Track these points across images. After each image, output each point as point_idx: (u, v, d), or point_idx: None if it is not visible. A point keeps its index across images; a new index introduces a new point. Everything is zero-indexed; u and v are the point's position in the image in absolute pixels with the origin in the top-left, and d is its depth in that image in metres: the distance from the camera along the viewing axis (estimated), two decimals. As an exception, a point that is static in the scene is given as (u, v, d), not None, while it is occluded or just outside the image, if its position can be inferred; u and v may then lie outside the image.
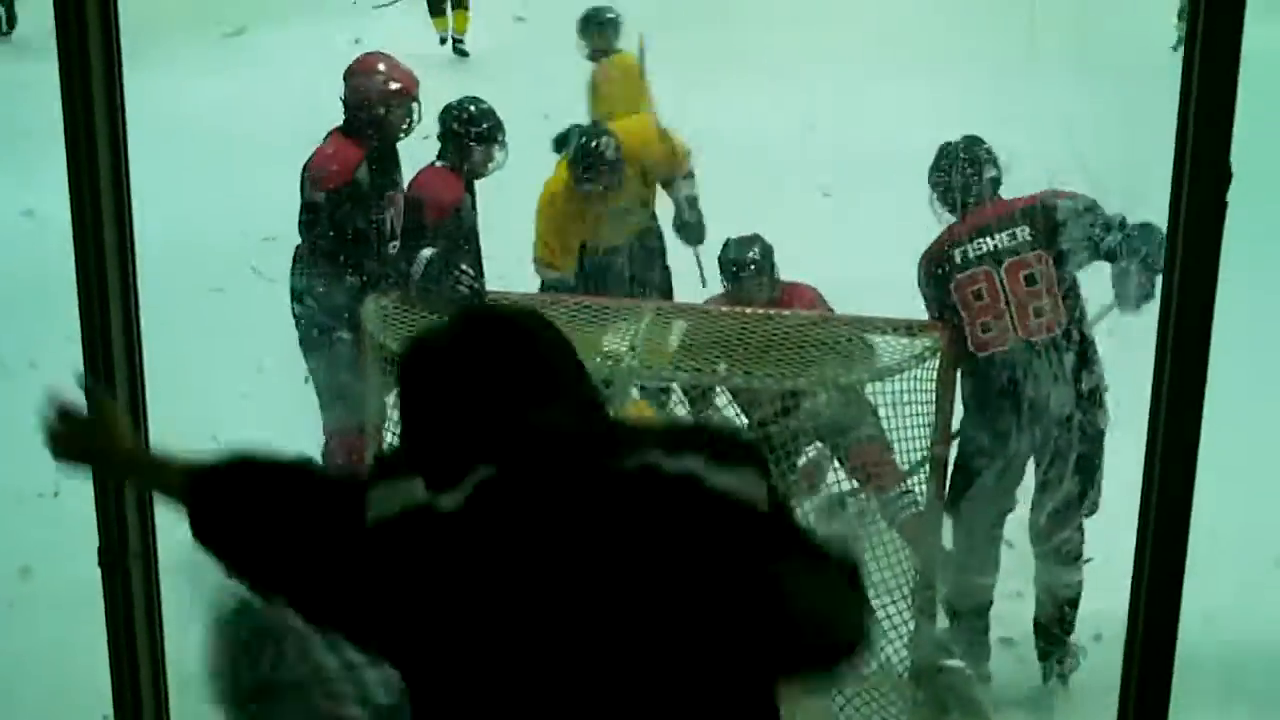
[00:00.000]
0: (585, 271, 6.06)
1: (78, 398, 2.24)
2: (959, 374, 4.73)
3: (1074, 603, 4.79)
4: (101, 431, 2.23)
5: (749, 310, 4.98)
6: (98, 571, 2.52)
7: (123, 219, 2.42)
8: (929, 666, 4.65)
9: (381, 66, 5.48)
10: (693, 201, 6.32)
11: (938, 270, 4.77)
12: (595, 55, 7.65)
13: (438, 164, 5.47)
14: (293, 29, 12.02)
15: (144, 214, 2.51)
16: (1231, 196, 2.09)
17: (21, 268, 6.62)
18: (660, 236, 6.41)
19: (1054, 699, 4.78)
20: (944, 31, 13.10)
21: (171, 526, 2.23)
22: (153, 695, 2.58)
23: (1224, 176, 2.08)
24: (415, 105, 5.43)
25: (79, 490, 2.48)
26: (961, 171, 4.80)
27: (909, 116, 10.81)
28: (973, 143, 4.88)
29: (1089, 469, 4.68)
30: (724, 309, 5.03)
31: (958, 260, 4.71)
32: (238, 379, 5.82)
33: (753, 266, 5.06)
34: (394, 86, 5.40)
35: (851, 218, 7.61)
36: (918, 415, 4.77)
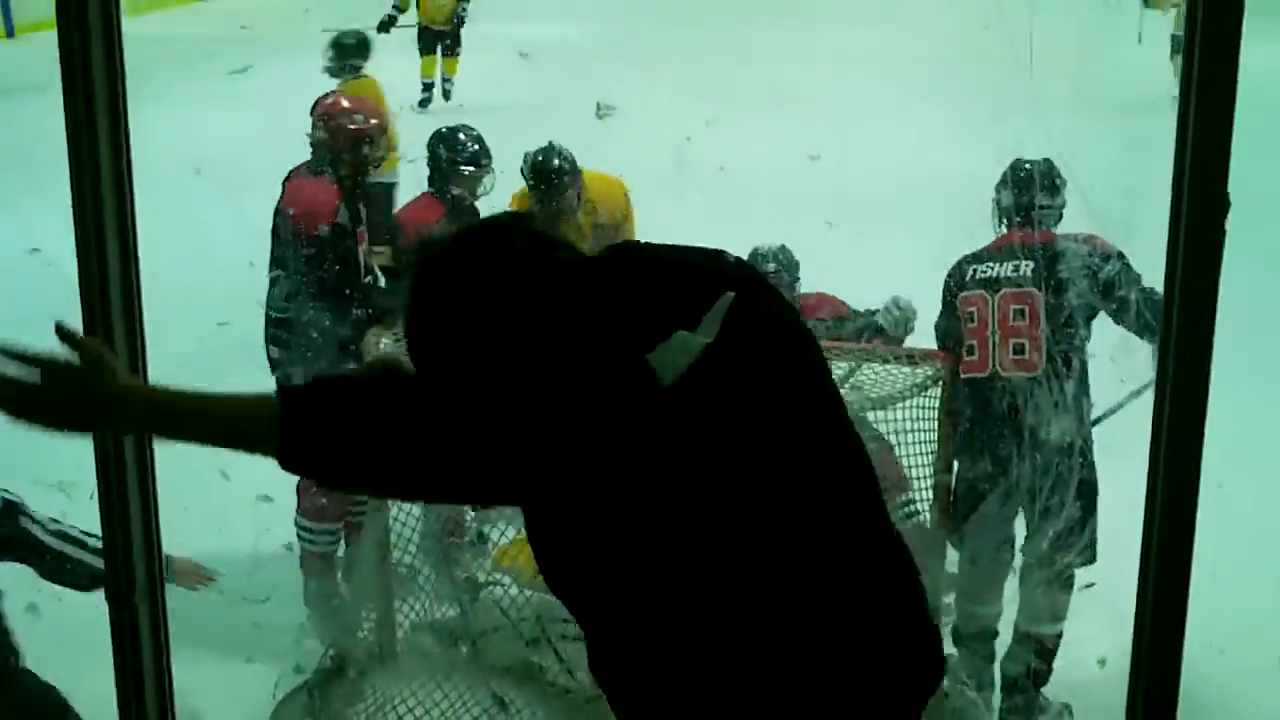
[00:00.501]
0: None
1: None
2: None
3: (1049, 654, 4.73)
4: (94, 375, 1.92)
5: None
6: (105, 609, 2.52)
7: (127, 255, 2.42)
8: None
9: (347, 104, 5.55)
10: None
11: (950, 282, 4.81)
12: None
13: (428, 191, 5.56)
14: (300, 62, 12.14)
15: (149, 247, 2.51)
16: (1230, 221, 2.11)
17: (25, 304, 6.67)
18: None
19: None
20: (946, 67, 13.19)
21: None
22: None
23: (1222, 204, 2.09)
24: (384, 141, 5.48)
25: (87, 520, 2.48)
26: (1018, 191, 4.80)
27: (910, 150, 10.92)
28: (1036, 166, 4.84)
29: (1079, 515, 4.62)
30: None
31: (967, 277, 4.74)
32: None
33: (775, 274, 5.09)
34: (364, 124, 5.42)
35: (854, 248, 7.63)
36: (921, 444, 4.79)
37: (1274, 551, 5.27)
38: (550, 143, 5.80)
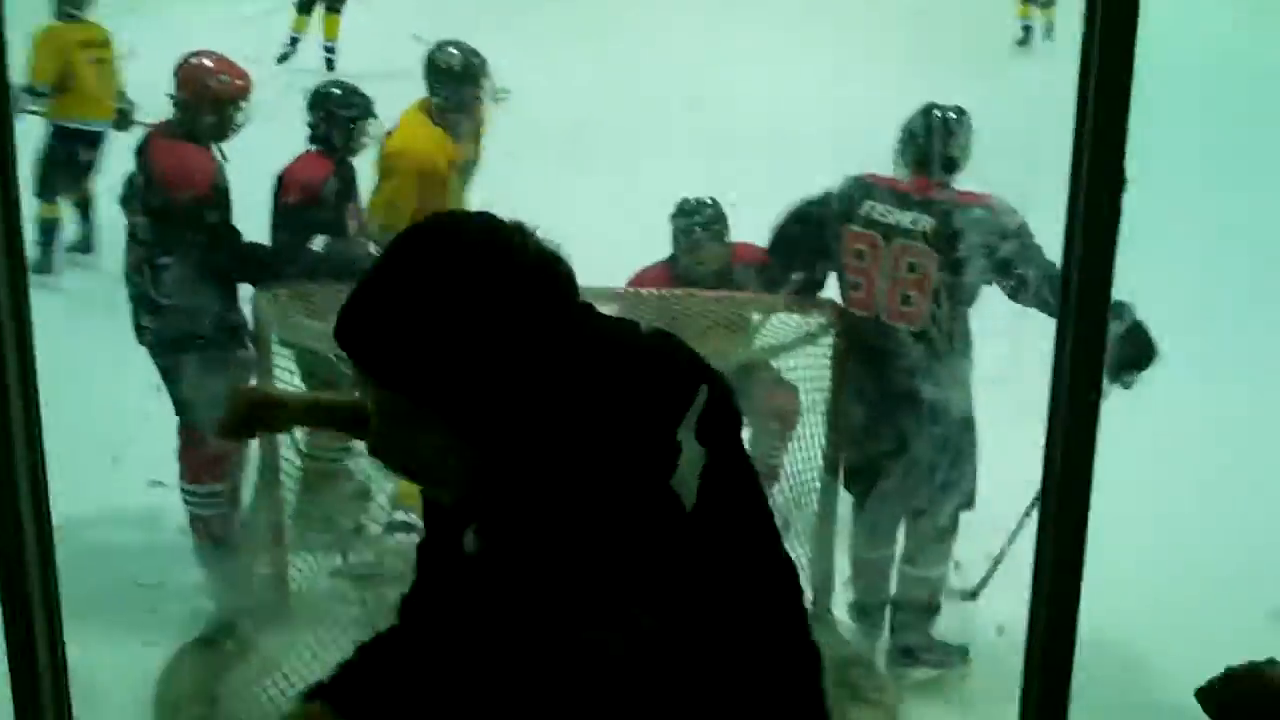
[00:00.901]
0: None
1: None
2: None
3: (930, 606, 4.85)
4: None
5: (645, 291, 4.99)
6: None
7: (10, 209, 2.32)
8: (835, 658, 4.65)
9: (210, 63, 5.33)
10: None
11: (837, 204, 4.72)
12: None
13: (311, 149, 5.46)
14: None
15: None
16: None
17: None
18: None
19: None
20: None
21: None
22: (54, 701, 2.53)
23: (1119, 182, 2.11)
24: (247, 104, 5.31)
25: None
26: (926, 137, 4.71)
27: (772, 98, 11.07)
28: (948, 113, 4.78)
29: (957, 459, 4.70)
30: (620, 290, 5.02)
31: (860, 212, 4.67)
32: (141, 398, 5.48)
33: (707, 227, 5.10)
34: (231, 85, 5.28)
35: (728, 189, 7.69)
36: (813, 394, 4.83)
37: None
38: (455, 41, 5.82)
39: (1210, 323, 7.18)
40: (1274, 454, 5.88)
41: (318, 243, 5.14)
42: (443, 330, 1.61)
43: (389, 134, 5.71)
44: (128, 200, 5.25)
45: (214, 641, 4.84)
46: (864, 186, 4.72)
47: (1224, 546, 5.36)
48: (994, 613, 4.74)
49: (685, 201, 5.22)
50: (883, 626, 4.93)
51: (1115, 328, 4.41)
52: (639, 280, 5.18)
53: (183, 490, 5.26)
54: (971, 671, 4.87)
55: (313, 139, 5.49)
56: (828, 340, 4.80)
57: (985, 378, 4.77)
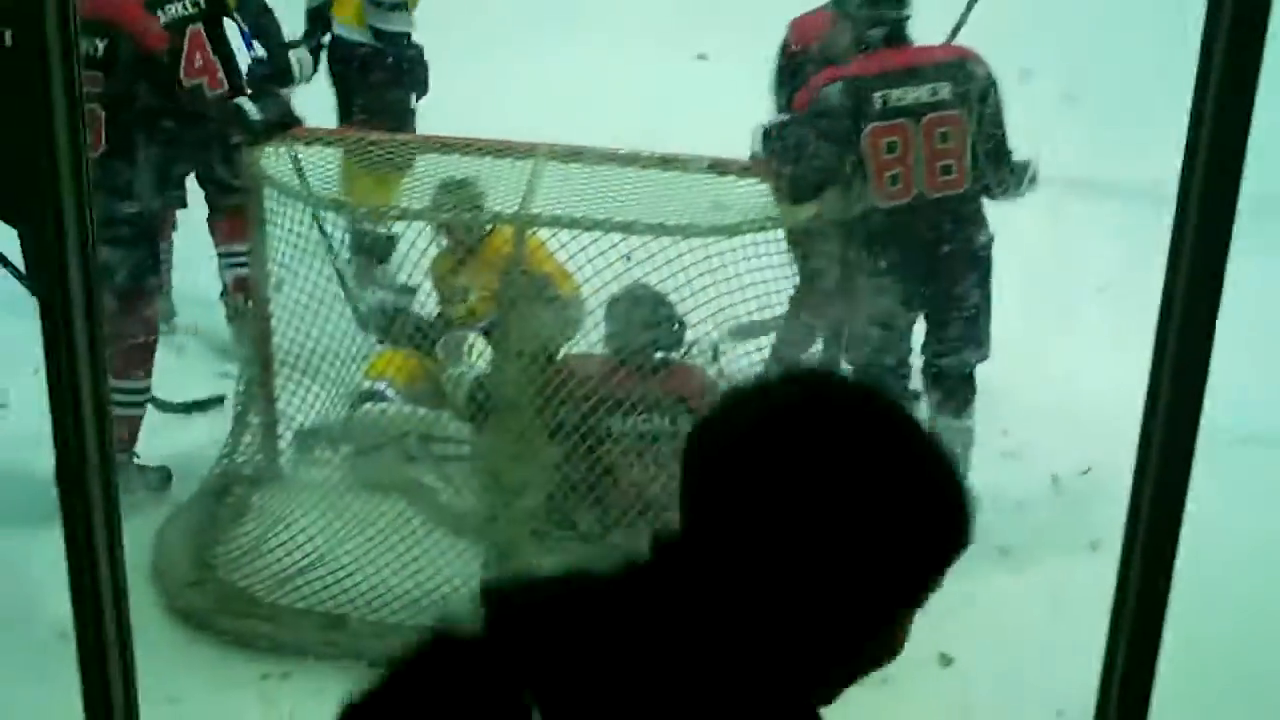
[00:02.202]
0: None
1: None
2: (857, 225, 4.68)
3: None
4: None
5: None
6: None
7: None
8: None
9: None
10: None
11: (844, 110, 4.59)
12: None
13: None
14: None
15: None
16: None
17: None
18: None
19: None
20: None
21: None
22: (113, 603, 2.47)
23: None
24: None
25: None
26: (881, 5, 4.65)
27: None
28: None
29: (979, 317, 4.77)
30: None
31: (876, 107, 4.59)
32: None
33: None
34: None
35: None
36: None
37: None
38: None
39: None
40: None
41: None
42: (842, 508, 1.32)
43: None
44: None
45: (207, 504, 4.77)
46: (864, 81, 4.61)
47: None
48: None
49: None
50: None
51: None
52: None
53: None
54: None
55: None
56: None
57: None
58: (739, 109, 5.13)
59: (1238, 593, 4.31)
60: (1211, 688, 3.82)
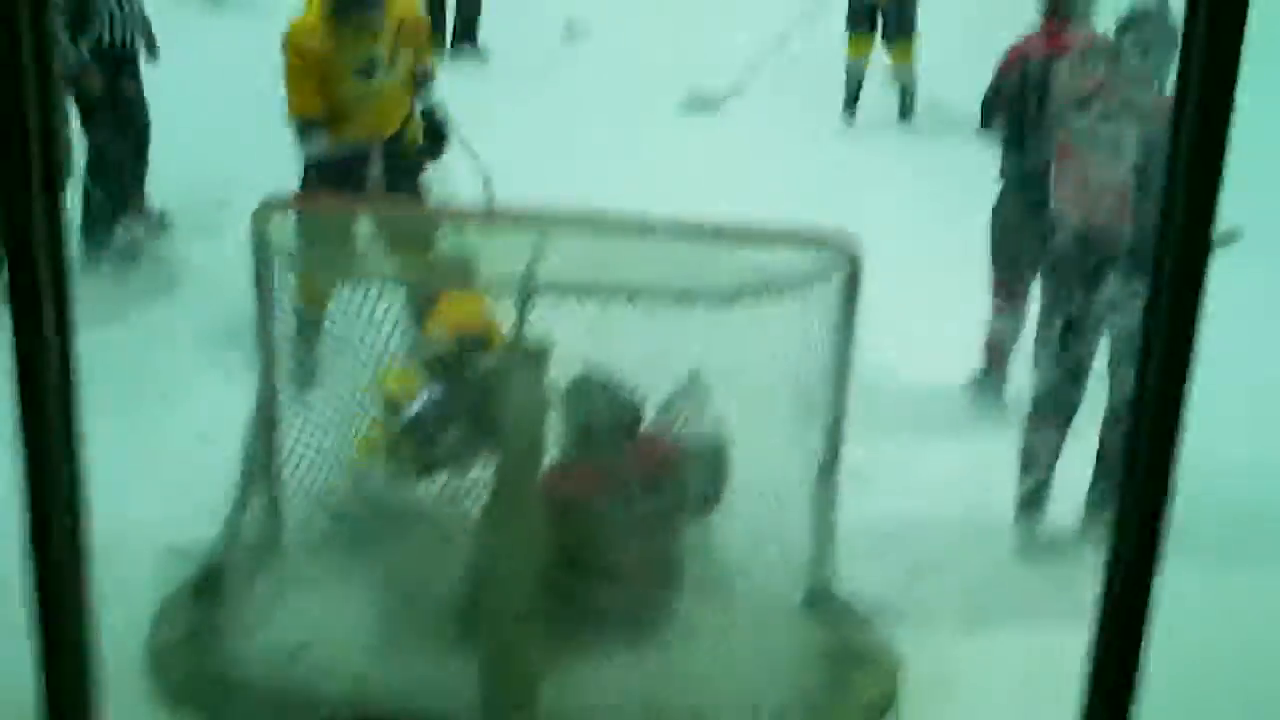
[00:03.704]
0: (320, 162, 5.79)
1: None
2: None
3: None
4: None
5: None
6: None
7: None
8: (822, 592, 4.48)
9: None
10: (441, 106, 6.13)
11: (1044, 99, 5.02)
12: None
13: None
14: None
15: None
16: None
17: None
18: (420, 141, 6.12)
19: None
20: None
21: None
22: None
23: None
24: None
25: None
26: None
27: None
28: None
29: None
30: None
31: (1072, 125, 4.78)
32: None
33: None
34: None
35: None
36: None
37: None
38: None
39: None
40: None
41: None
42: None
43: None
44: None
45: (206, 586, 4.67)
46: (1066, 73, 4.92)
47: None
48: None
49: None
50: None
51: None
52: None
53: None
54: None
55: None
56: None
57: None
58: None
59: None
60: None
